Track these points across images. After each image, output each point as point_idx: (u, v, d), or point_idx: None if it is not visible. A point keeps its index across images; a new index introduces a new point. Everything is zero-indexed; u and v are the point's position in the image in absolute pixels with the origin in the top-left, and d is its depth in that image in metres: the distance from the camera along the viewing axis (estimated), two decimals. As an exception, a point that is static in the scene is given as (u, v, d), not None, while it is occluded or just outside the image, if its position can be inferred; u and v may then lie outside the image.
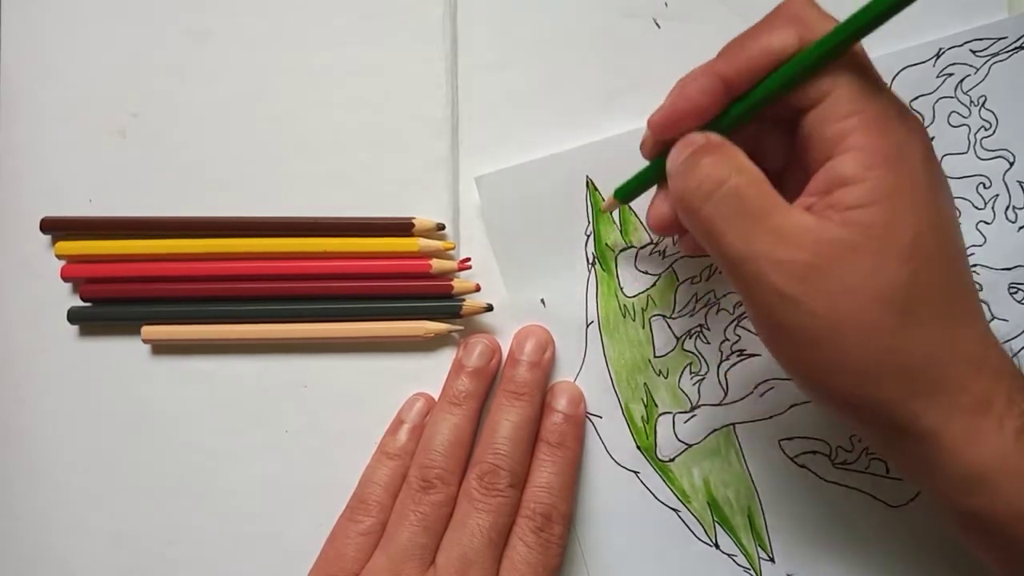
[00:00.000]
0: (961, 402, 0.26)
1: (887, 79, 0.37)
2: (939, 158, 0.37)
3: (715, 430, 0.37)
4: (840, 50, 0.26)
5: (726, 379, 0.37)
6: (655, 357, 0.37)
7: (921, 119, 0.37)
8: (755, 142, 0.30)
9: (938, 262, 0.26)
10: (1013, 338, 0.37)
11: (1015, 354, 0.37)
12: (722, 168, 0.28)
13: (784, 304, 0.26)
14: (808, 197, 0.27)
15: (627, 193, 0.34)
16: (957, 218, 0.28)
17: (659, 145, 0.31)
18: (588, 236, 0.37)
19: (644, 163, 0.34)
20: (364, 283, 0.37)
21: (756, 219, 0.27)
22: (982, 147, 0.37)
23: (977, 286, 0.37)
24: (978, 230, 0.37)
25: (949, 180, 0.36)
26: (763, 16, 0.29)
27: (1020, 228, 0.37)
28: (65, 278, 0.38)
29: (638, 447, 0.37)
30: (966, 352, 0.26)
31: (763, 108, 0.28)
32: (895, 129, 0.26)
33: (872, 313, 0.26)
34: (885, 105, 0.27)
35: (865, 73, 0.27)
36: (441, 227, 0.37)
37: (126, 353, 0.38)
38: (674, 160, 0.29)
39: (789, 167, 0.31)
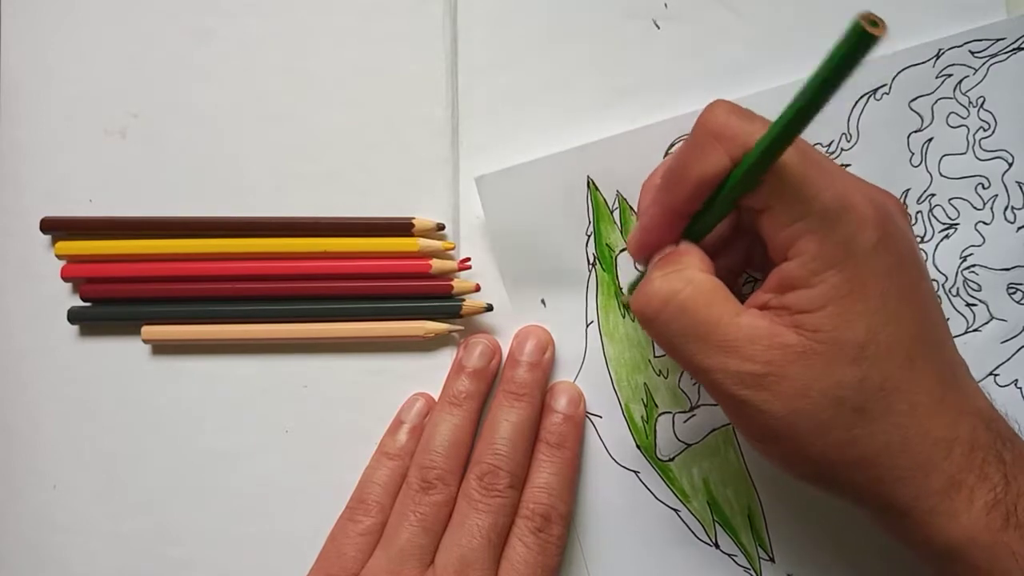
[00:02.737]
0: (929, 483, 0.27)
1: (887, 80, 0.37)
2: (939, 158, 0.37)
3: (714, 429, 0.37)
4: (766, 165, 0.26)
5: (726, 379, 0.37)
6: (655, 357, 0.37)
7: (921, 120, 0.37)
8: (738, 218, 0.32)
9: (895, 356, 0.27)
10: (1012, 337, 0.37)
11: (1013, 355, 0.37)
12: (671, 284, 0.29)
13: (745, 407, 0.28)
14: (764, 294, 0.28)
15: (633, 289, 0.35)
16: (927, 297, 0.29)
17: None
18: (588, 236, 0.37)
19: (644, 162, 0.34)
20: (364, 283, 0.37)
21: (706, 333, 0.28)
22: (981, 148, 0.37)
23: (976, 286, 0.37)
24: (977, 231, 0.37)
25: (948, 181, 0.37)
26: (695, 128, 0.28)
27: (1019, 228, 0.37)
28: (65, 278, 0.38)
29: (638, 447, 0.37)
30: (934, 435, 0.27)
31: (723, 217, 0.29)
32: (840, 228, 0.27)
33: (826, 412, 0.27)
34: (827, 204, 0.27)
35: (802, 174, 0.27)
36: (441, 227, 0.37)
37: (126, 353, 0.38)
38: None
39: None
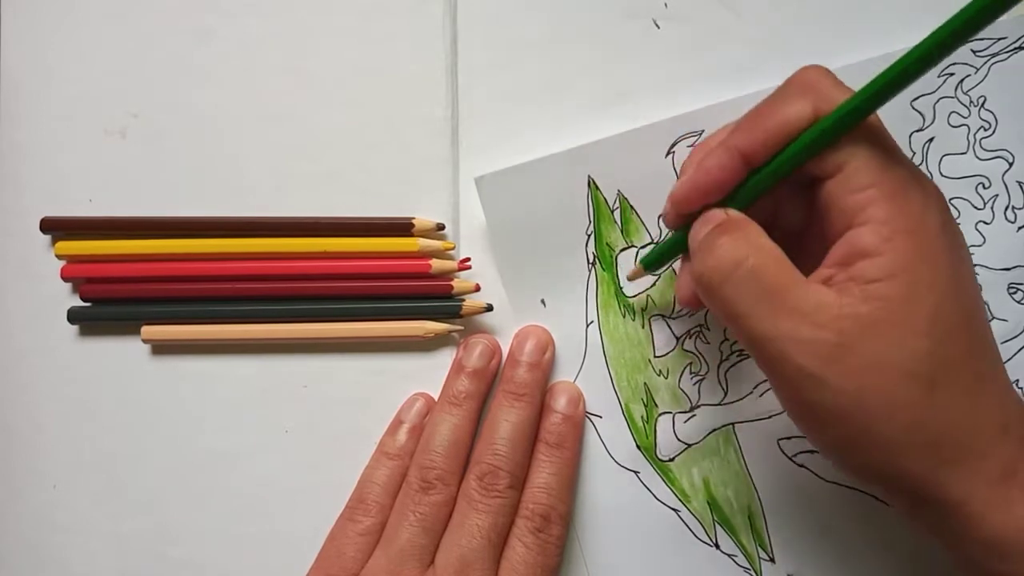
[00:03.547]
0: (986, 470, 0.26)
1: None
2: (939, 158, 0.37)
3: (715, 430, 0.37)
4: (854, 121, 0.26)
5: (726, 379, 0.37)
6: (655, 357, 0.37)
7: (923, 120, 0.37)
8: (775, 205, 0.31)
9: (959, 331, 0.26)
10: (1013, 338, 0.37)
11: (1013, 355, 0.37)
12: (740, 248, 0.28)
13: (811, 382, 0.26)
14: (827, 268, 0.27)
15: (652, 262, 0.35)
16: (975, 282, 0.28)
17: (681, 218, 0.31)
18: (588, 236, 0.37)
19: (644, 162, 0.34)
20: (364, 283, 0.37)
21: (777, 299, 0.27)
22: (982, 147, 0.37)
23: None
24: (977, 230, 0.37)
25: (949, 181, 0.37)
26: (776, 90, 0.29)
27: (1019, 228, 0.37)
28: (65, 278, 0.38)
29: (638, 447, 0.37)
30: (990, 419, 0.26)
31: (781, 179, 0.28)
32: (913, 199, 0.26)
33: (898, 388, 0.26)
34: (902, 175, 0.27)
35: (882, 142, 0.27)
36: (441, 227, 0.37)
37: (126, 353, 0.38)
38: (694, 237, 0.30)
39: (808, 230, 0.31)
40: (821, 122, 0.27)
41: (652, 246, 0.36)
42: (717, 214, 0.29)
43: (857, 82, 0.26)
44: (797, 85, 0.28)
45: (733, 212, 0.29)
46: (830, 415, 0.27)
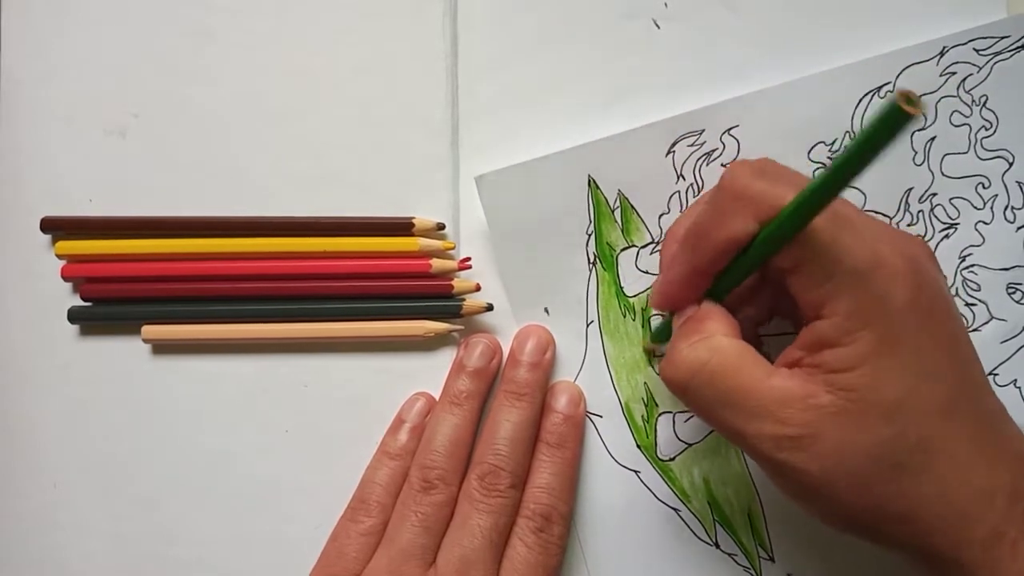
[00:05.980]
0: (970, 535, 0.26)
1: (890, 78, 0.37)
2: (941, 157, 0.37)
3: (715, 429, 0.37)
4: (794, 230, 0.26)
5: (726, 379, 0.37)
6: (656, 356, 0.37)
7: (924, 119, 0.36)
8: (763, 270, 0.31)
9: (931, 410, 0.26)
10: (1012, 337, 0.37)
11: (1012, 355, 0.37)
12: (699, 353, 0.29)
13: (780, 467, 0.27)
14: (796, 351, 0.28)
15: (660, 337, 0.35)
16: (964, 354, 0.28)
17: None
18: (589, 235, 0.37)
19: (645, 161, 0.34)
20: (364, 283, 0.37)
21: (738, 400, 0.28)
22: (982, 147, 0.37)
23: (975, 286, 0.37)
24: (977, 230, 0.37)
25: (950, 180, 0.37)
26: (712, 197, 0.28)
27: (1019, 228, 0.37)
28: (65, 278, 0.38)
29: (638, 446, 0.37)
30: (974, 486, 0.26)
31: (748, 276, 0.29)
32: (872, 284, 0.26)
33: (862, 469, 0.26)
34: (858, 262, 0.26)
35: (833, 234, 0.26)
36: (441, 227, 0.37)
37: (126, 353, 0.38)
38: (673, 329, 0.31)
39: None
40: (759, 238, 0.27)
41: (660, 324, 0.36)
42: (687, 311, 0.30)
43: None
44: (729, 196, 0.27)
45: (705, 306, 0.30)
46: (805, 491, 0.28)
